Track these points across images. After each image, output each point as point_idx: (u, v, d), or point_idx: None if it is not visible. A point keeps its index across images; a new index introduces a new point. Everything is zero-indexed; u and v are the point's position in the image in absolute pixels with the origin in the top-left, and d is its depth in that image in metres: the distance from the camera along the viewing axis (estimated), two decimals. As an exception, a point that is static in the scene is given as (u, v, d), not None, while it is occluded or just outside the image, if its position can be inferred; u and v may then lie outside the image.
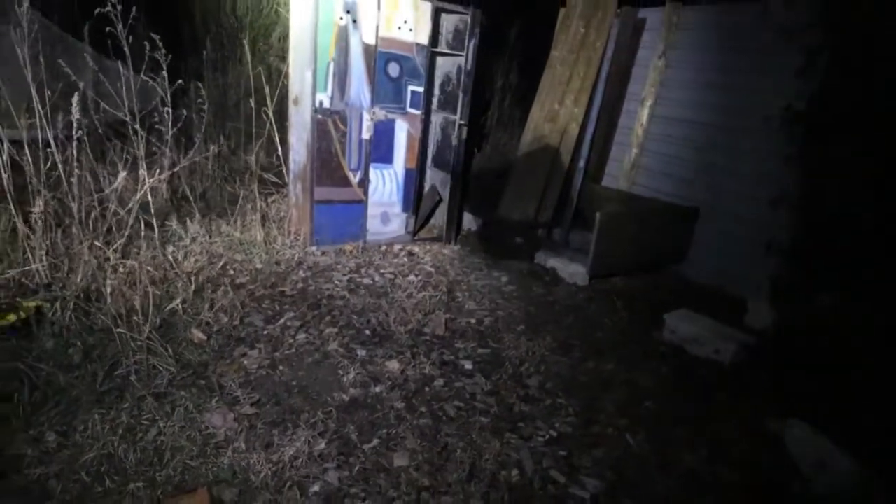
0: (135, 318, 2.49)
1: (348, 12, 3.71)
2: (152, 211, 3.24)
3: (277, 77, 4.84)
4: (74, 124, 2.65)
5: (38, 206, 2.76)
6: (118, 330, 2.43)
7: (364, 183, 4.18)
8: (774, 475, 2.26)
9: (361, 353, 2.79)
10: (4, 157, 2.83)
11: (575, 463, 2.21)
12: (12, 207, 2.86)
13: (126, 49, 3.06)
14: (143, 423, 2.13)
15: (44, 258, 2.86)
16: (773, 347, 2.95)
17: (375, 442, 2.19)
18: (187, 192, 4.04)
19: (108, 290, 2.55)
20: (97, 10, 2.99)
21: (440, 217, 4.81)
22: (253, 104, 4.43)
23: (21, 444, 1.94)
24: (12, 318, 2.34)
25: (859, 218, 2.38)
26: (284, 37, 6.17)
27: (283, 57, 6.22)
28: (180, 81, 3.30)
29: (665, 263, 4.54)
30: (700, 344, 3.16)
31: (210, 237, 3.91)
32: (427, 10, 4.01)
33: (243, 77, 6.08)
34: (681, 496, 2.11)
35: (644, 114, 4.92)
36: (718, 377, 2.95)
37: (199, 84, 4.08)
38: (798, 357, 2.69)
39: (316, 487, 1.94)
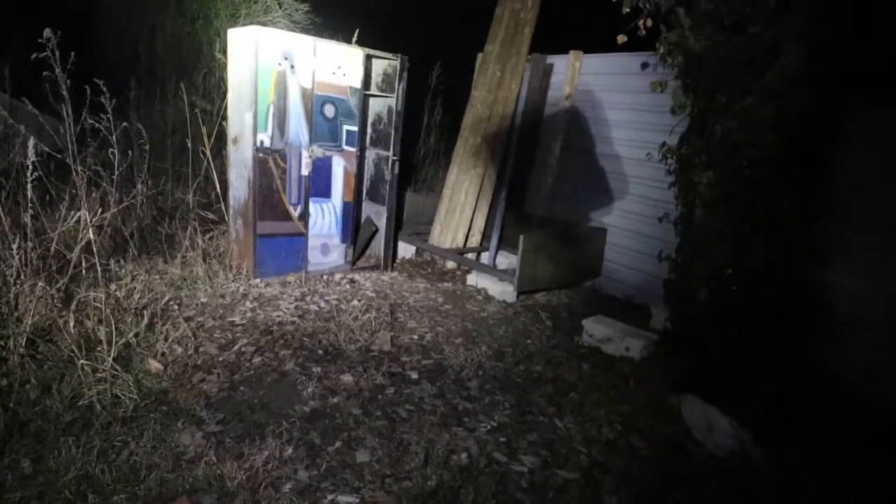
0: (98, 349, 2.59)
1: (286, 59, 4.02)
2: (95, 250, 3.32)
3: (206, 116, 5.01)
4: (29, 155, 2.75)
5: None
6: (81, 361, 2.53)
7: (304, 217, 4.42)
8: (674, 439, 2.73)
9: (317, 369, 3.02)
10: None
11: (514, 445, 2.56)
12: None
13: (65, 92, 3.18)
14: (116, 445, 2.25)
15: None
16: (669, 340, 3.49)
17: (338, 444, 2.43)
18: (123, 231, 4.10)
19: (72, 321, 2.64)
20: (34, 55, 3.11)
21: (376, 246, 5.12)
22: (189, 143, 4.57)
23: (-6, 472, 2.02)
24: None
25: (721, 232, 2.99)
26: (207, 76, 6.32)
27: (205, 96, 6.35)
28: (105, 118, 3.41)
29: (582, 279, 5.10)
30: (613, 343, 3.65)
31: (149, 275, 3.97)
32: (359, 56, 4.39)
33: (169, 116, 6.17)
34: (602, 462, 2.52)
35: (557, 147, 5.54)
36: (629, 369, 3.44)
37: (125, 123, 4.17)
38: (688, 345, 3.22)
39: (289, 486, 2.16)
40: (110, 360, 2.59)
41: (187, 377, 2.86)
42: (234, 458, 2.29)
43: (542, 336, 3.86)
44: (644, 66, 4.37)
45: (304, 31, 6.75)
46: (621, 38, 3.58)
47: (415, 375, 3.12)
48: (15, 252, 3.01)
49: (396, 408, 2.76)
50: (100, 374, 2.57)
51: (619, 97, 5.00)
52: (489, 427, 2.68)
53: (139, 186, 4.28)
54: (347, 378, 2.96)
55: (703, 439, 2.65)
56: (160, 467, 2.17)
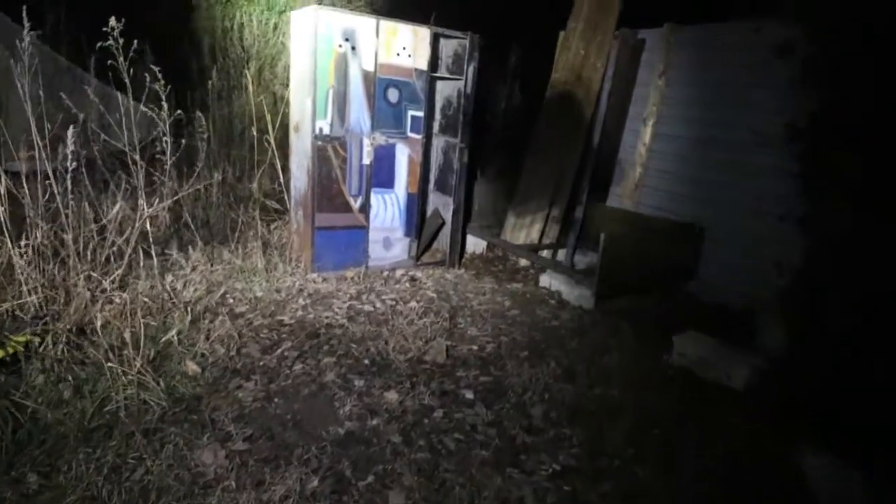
0: (125, 351, 2.43)
1: (347, 40, 3.73)
2: (151, 240, 3.23)
3: (282, 105, 4.88)
4: (70, 156, 2.64)
5: (33, 239, 2.74)
6: (109, 364, 2.38)
7: (365, 208, 4.15)
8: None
9: (359, 383, 2.71)
10: (2, 190, 2.83)
11: (580, 498, 2.09)
12: (8, 240, 2.84)
13: (127, 81, 3.07)
14: (130, 462, 2.06)
15: (39, 290, 2.83)
16: (787, 371, 2.82)
17: (370, 479, 2.10)
18: (188, 220, 4.03)
19: (100, 323, 2.50)
20: (98, 44, 3.02)
21: (443, 241, 4.76)
22: (255, 132, 4.44)
23: (1, 487, 1.87)
24: (0, 353, 2.30)
25: (871, 239, 2.27)
26: (290, 66, 6.26)
27: (288, 85, 6.30)
28: (179, 112, 3.30)
29: (673, 282, 4.43)
30: (710, 367, 3.04)
31: (211, 265, 3.88)
32: (426, 35, 4.02)
33: (248, 106, 6.16)
34: (694, 534, 2.00)
35: (647, 133, 4.87)
36: (730, 402, 2.82)
37: (202, 114, 4.10)
38: (814, 381, 2.56)
39: (306, 529, 1.86)
40: (138, 364, 2.42)
41: (224, 382, 2.66)
42: (255, 485, 2.02)
43: (622, 352, 3.31)
44: (756, 30, 3.60)
45: (382, 14, 6.53)
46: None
47: (469, 395, 2.72)
48: (71, 243, 2.98)
49: (443, 437, 2.38)
50: (130, 377, 2.42)
51: (723, 73, 4.26)
52: (551, 471, 2.22)
53: (203, 174, 4.21)
54: (392, 396, 2.62)
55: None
56: (172, 492, 1.95)
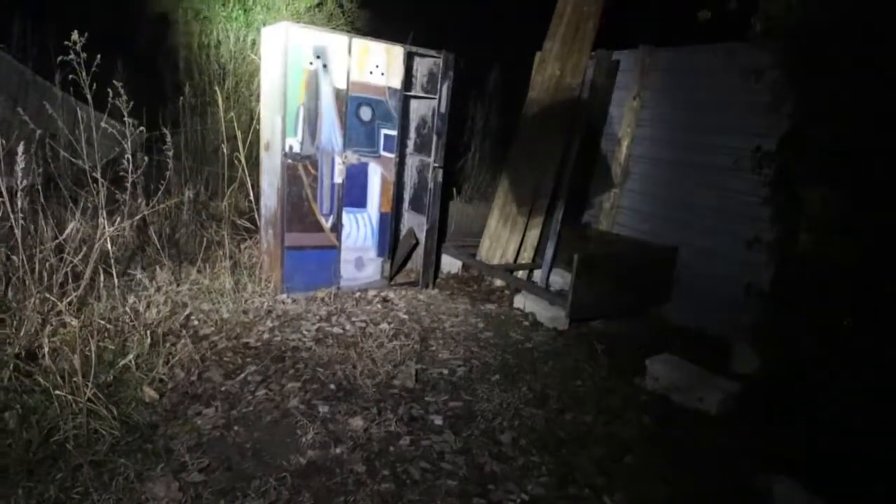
0: (75, 378, 2.31)
1: (318, 57, 3.70)
2: (112, 260, 3.11)
3: (257, 122, 4.81)
4: (20, 173, 2.54)
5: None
6: (56, 392, 2.26)
7: (337, 228, 4.08)
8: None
9: (323, 409, 2.62)
10: (-50, 208, 2.71)
11: (548, 531, 2.03)
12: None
13: (88, 96, 2.99)
14: (74, 497, 1.94)
15: (-13, 313, 2.70)
16: (759, 395, 2.81)
17: (330, 512, 2.01)
18: (155, 239, 3.91)
19: (47, 348, 2.38)
20: (59, 58, 2.94)
21: (418, 261, 4.70)
22: (226, 150, 4.36)
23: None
24: (-60, 381, 2.17)
25: (834, 263, 2.29)
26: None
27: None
28: (142, 128, 3.21)
29: (647, 305, 4.43)
30: (683, 392, 3.02)
31: (178, 285, 3.76)
32: (399, 53, 4.01)
33: (220, 123, 6.09)
34: (664, 566, 1.94)
35: (622, 154, 4.92)
36: (704, 428, 2.79)
37: (174, 131, 4.01)
38: (786, 405, 2.55)
39: (259, 569, 1.76)
40: (89, 391, 2.30)
41: (182, 409, 2.55)
42: (208, 520, 1.92)
43: (595, 376, 3.28)
44: (729, 53, 3.66)
45: (364, 33, 6.54)
46: (703, 15, 2.92)
47: (438, 421, 2.65)
48: (24, 263, 2.85)
49: (409, 465, 2.29)
50: (80, 405, 2.30)
51: (697, 95, 4.32)
52: (519, 501, 2.15)
53: (174, 192, 4.12)
54: (357, 422, 2.54)
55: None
56: (118, 530, 1.83)
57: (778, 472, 2.25)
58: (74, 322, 2.65)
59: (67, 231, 2.87)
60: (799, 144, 2.54)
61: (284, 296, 3.93)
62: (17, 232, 2.77)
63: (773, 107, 2.76)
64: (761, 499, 2.23)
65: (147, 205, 3.81)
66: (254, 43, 7.08)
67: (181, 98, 5.65)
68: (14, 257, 2.73)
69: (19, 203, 2.66)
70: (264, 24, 6.84)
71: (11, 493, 1.90)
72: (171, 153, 3.68)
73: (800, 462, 2.27)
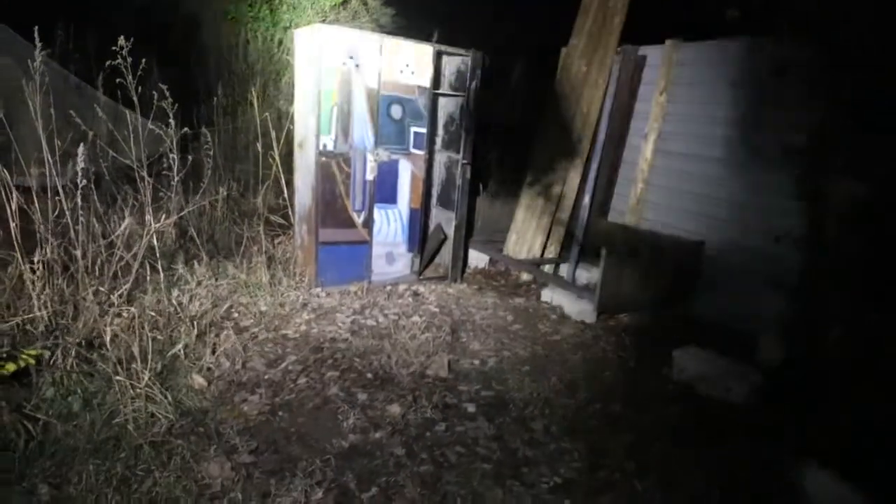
0: (133, 365, 2.47)
1: (351, 58, 3.81)
2: (157, 255, 3.28)
3: (287, 121, 4.96)
4: (79, 173, 2.70)
5: (42, 254, 2.80)
6: (117, 377, 2.42)
7: (368, 224, 4.20)
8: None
9: (362, 397, 2.75)
10: (13, 206, 2.89)
11: (581, 512, 2.12)
12: (19, 255, 2.90)
13: (135, 98, 3.15)
14: (139, 474, 2.09)
15: (49, 305, 2.88)
16: (787, 387, 2.85)
17: (374, 491, 2.13)
18: (194, 235, 4.08)
19: (108, 336, 2.54)
20: (108, 63, 3.10)
21: (446, 256, 4.81)
22: (260, 148, 4.51)
23: (12, 498, 1.91)
24: (12, 367, 2.34)
25: (861, 255, 2.32)
26: (293, 82, 6.36)
27: (292, 101, 6.41)
28: (186, 129, 3.37)
29: (673, 298, 4.46)
30: (711, 382, 3.07)
31: (216, 280, 3.92)
32: (428, 53, 4.10)
33: (252, 121, 6.25)
34: (694, 547, 2.02)
35: (648, 149, 4.93)
36: (730, 417, 2.85)
37: (208, 130, 4.18)
38: (815, 396, 2.59)
39: (311, 541, 1.88)
40: (146, 377, 2.45)
41: (229, 396, 2.70)
42: (260, 497, 2.05)
43: (623, 367, 3.35)
44: (757, 48, 3.66)
45: (387, 30, 6.64)
46: (732, 14, 2.95)
47: (471, 409, 2.75)
48: (79, 258, 3.03)
49: (445, 450, 2.41)
50: (138, 390, 2.45)
51: (724, 90, 4.32)
52: (552, 483, 2.25)
53: (209, 190, 4.27)
54: (395, 409, 2.66)
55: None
56: (180, 503, 1.98)
57: (809, 462, 2.30)
58: (133, 310, 2.81)
59: (123, 226, 3.03)
60: (826, 139, 2.56)
61: (318, 289, 4.07)
62: (74, 228, 2.95)
63: (800, 101, 2.78)
64: (793, 487, 2.28)
65: (186, 202, 3.99)
66: (280, 42, 7.24)
67: (215, 98, 5.82)
68: (74, 251, 2.89)
69: (78, 201, 2.82)
70: (290, 23, 7.01)
71: (83, 470, 2.06)
72: (210, 152, 3.84)
73: (832, 452, 2.31)
